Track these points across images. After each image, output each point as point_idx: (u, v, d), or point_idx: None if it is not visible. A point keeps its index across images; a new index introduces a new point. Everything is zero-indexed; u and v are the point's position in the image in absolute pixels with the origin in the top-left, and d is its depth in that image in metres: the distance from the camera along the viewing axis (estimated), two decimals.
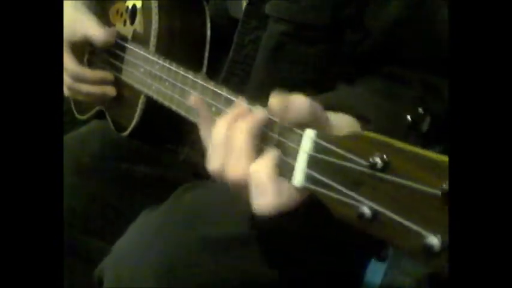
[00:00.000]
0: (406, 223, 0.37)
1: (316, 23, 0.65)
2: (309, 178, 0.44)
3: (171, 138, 0.84)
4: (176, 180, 0.80)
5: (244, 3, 0.72)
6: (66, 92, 0.85)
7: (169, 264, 0.61)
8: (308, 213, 0.51)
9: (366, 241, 0.71)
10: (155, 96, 0.70)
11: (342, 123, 0.56)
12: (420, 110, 0.52)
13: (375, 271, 0.72)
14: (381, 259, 0.41)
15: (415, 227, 0.36)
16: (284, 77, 0.68)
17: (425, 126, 0.52)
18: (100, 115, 0.92)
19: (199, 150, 0.80)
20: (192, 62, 0.67)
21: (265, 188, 0.46)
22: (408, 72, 0.64)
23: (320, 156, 0.43)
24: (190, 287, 0.61)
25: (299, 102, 0.47)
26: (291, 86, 0.65)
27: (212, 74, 0.74)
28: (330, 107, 0.58)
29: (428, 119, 0.52)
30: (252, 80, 0.71)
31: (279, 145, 0.48)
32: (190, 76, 0.62)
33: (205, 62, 0.76)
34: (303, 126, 0.47)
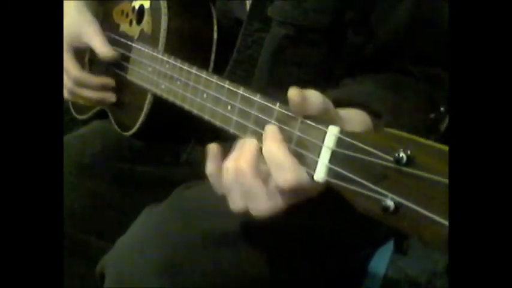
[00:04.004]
0: (430, 215, 0.39)
1: (318, 26, 0.66)
2: (331, 173, 0.46)
3: (175, 137, 0.84)
4: (177, 180, 0.80)
5: (248, 4, 0.73)
6: (66, 95, 0.86)
7: (171, 260, 0.62)
8: (314, 208, 0.53)
9: (369, 234, 0.74)
10: (165, 95, 0.71)
11: (353, 118, 0.57)
12: (442, 108, 0.54)
13: (379, 263, 0.73)
14: (403, 252, 0.42)
15: (438, 219, 0.38)
16: (286, 78, 0.70)
17: (444, 126, 0.54)
18: (101, 115, 0.92)
19: (201, 150, 0.82)
20: (198, 63, 0.67)
21: (283, 163, 0.48)
22: (415, 67, 0.65)
23: (344, 151, 0.44)
24: (192, 283, 0.62)
25: (314, 96, 0.49)
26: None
27: (215, 73, 0.75)
28: (341, 102, 0.59)
29: (447, 119, 0.54)
30: (255, 81, 0.72)
31: (299, 142, 0.49)
32: (203, 75, 0.63)
33: (212, 63, 0.77)
34: (315, 119, 0.49)
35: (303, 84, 0.66)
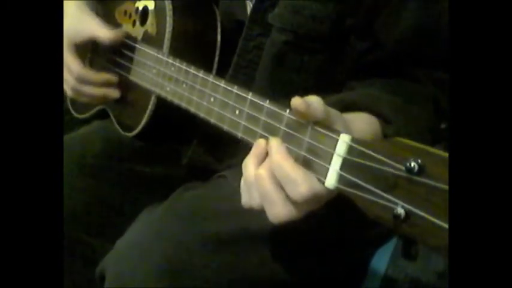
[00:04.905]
0: (440, 223, 0.40)
1: (317, 34, 0.67)
2: (342, 180, 0.46)
3: (177, 138, 0.85)
4: (178, 180, 0.81)
5: (249, 6, 0.73)
6: (69, 93, 0.86)
7: (170, 262, 0.62)
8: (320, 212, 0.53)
9: (370, 235, 0.75)
10: (170, 98, 0.71)
11: (359, 120, 0.58)
12: None
13: (379, 263, 0.74)
14: (412, 258, 0.43)
15: (448, 227, 0.39)
16: (287, 84, 0.70)
17: None
18: (101, 115, 0.92)
19: (203, 151, 0.83)
20: (201, 65, 0.68)
21: (293, 177, 0.48)
22: (421, 71, 0.66)
23: (355, 159, 0.45)
24: (191, 285, 0.62)
25: (316, 102, 0.50)
26: (294, 92, 0.68)
27: (217, 76, 0.75)
28: (349, 105, 0.60)
29: None
30: (256, 85, 0.73)
31: (310, 148, 0.50)
32: (210, 79, 0.63)
33: (215, 65, 0.77)
34: (325, 126, 0.49)
35: (304, 89, 0.66)
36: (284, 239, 0.66)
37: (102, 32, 0.81)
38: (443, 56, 0.64)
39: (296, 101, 0.49)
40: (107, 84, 0.85)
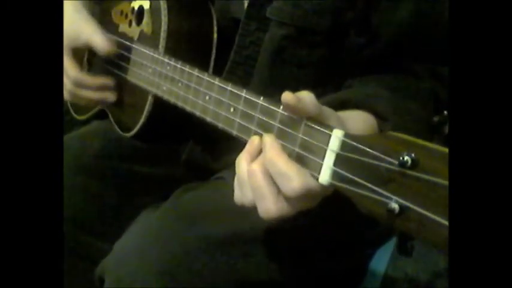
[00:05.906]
0: (434, 217, 0.39)
1: (318, 27, 0.66)
2: (335, 176, 0.46)
3: (175, 138, 0.85)
4: (177, 180, 0.80)
5: (246, 4, 0.73)
6: (66, 96, 0.86)
7: (170, 264, 0.62)
8: (317, 211, 0.53)
9: (369, 235, 0.74)
10: (166, 97, 0.71)
11: (354, 117, 0.58)
12: (445, 112, 0.54)
13: (379, 263, 0.74)
14: (407, 254, 0.43)
15: (442, 221, 0.39)
16: (286, 79, 0.70)
17: (447, 128, 0.55)
18: (101, 115, 0.92)
19: (201, 150, 0.82)
20: (198, 64, 0.68)
21: (286, 172, 0.48)
22: (418, 65, 0.66)
23: (348, 155, 0.45)
24: (191, 287, 0.62)
25: (307, 97, 0.49)
26: (293, 87, 0.67)
27: (214, 74, 0.75)
28: (346, 104, 0.60)
29: None
30: (254, 81, 0.72)
31: (303, 144, 0.49)
32: (205, 77, 0.63)
33: (212, 63, 0.77)
34: (319, 122, 0.48)
35: (303, 85, 0.66)
36: (284, 240, 0.66)
37: (99, 42, 0.81)
38: (443, 50, 0.64)
39: (287, 96, 0.49)
40: (103, 88, 0.85)
